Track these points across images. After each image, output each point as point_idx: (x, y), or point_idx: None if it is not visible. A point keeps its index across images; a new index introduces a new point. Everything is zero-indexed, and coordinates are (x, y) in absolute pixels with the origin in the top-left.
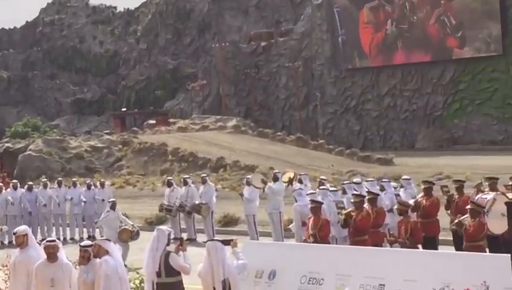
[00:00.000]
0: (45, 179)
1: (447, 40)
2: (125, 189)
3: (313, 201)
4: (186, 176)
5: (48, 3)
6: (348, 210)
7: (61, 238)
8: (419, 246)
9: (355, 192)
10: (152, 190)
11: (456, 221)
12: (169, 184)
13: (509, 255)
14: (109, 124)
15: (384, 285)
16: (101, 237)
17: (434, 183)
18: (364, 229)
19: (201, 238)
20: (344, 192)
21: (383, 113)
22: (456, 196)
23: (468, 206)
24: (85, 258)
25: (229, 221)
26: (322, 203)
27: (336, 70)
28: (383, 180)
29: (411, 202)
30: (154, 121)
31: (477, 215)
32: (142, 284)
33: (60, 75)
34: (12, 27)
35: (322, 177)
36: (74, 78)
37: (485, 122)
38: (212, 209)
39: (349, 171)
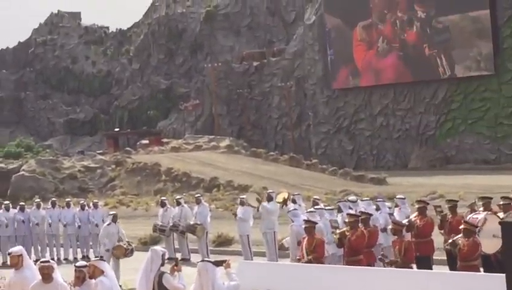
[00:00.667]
0: (38, 200)
1: (438, 59)
2: (119, 209)
3: (306, 221)
4: (179, 197)
5: (40, 24)
6: (342, 230)
7: (55, 258)
8: (413, 265)
9: (350, 211)
10: (146, 210)
11: (450, 241)
12: (162, 204)
13: (504, 274)
14: (102, 144)
15: None
16: (95, 257)
17: (428, 203)
18: (358, 249)
19: (195, 258)
20: (339, 210)
21: (376, 133)
22: (450, 216)
23: (462, 226)
24: (80, 278)
25: (223, 241)
26: (316, 223)
27: (329, 90)
28: (378, 199)
29: (405, 221)
30: (147, 141)
31: (471, 235)
32: None
33: (52, 96)
34: (4, 47)
35: (315, 197)
36: (67, 98)
37: (477, 141)
38: (207, 230)
39: (343, 190)
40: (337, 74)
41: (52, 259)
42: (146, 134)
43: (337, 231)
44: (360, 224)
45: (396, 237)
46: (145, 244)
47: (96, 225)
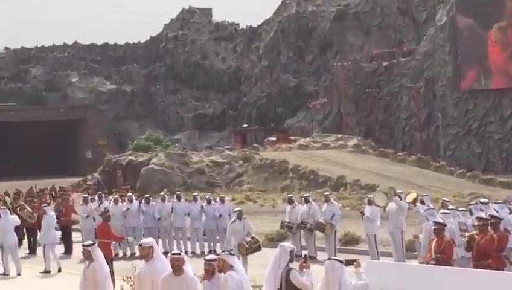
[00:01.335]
0: (163, 193)
1: None
2: (246, 205)
3: (436, 223)
4: (307, 194)
5: (171, 19)
6: (471, 233)
7: (183, 251)
8: None
9: (481, 213)
10: (272, 206)
11: None
12: (290, 201)
13: None
14: (230, 139)
15: None
16: (222, 251)
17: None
18: (487, 253)
19: (321, 256)
20: (470, 213)
21: (506, 136)
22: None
23: None
24: (209, 272)
25: (349, 240)
26: (445, 225)
27: (458, 92)
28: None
29: None
30: (274, 138)
31: None
32: None
33: (182, 90)
34: (136, 42)
35: (444, 198)
36: (196, 93)
37: None
38: (336, 228)
39: (471, 193)
40: (466, 75)
41: (186, 252)
42: (274, 131)
43: (466, 235)
44: (489, 228)
45: None
46: (272, 240)
47: (220, 215)
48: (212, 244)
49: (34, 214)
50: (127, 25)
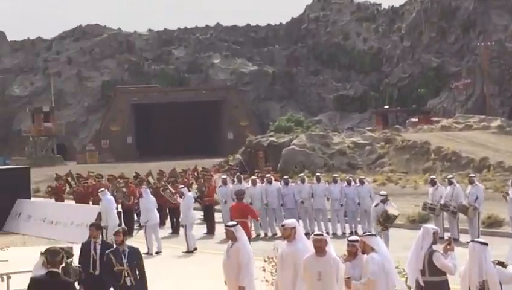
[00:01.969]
0: (302, 175)
1: None
2: (387, 186)
3: None
4: (451, 176)
5: (313, 0)
6: None
7: (324, 233)
8: None
9: None
10: (414, 188)
11: None
12: (432, 183)
13: None
14: (371, 121)
15: None
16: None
17: None
18: None
19: (464, 238)
20: None
21: None
22: None
23: None
24: (352, 253)
25: (493, 222)
26: None
27: None
28: None
29: None
30: (416, 119)
31: None
32: (408, 283)
33: (323, 71)
34: (278, 23)
35: None
36: (337, 74)
37: None
38: (479, 211)
39: None
40: None
41: (327, 233)
42: (415, 112)
43: None
44: None
45: None
46: (413, 222)
47: (359, 203)
48: (353, 225)
49: (176, 195)
50: (268, 6)
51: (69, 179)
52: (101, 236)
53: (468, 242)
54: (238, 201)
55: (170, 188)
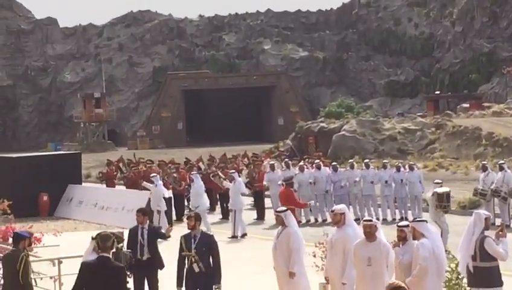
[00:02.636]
0: (351, 160)
1: None
2: (438, 172)
3: None
4: (502, 161)
5: None
6: None
7: (374, 218)
8: None
9: None
10: (465, 174)
11: None
12: (484, 168)
13: None
14: (422, 106)
15: None
16: (414, 219)
17: None
18: None
19: None
20: None
21: None
22: None
23: None
24: (401, 238)
25: None
26: None
27: None
28: None
29: None
30: (467, 105)
31: None
32: (458, 268)
33: (374, 57)
34: (329, 8)
35: None
36: (388, 60)
37: None
38: None
39: None
40: None
41: (377, 219)
42: (467, 98)
43: None
44: None
45: None
46: (464, 208)
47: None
48: (403, 211)
49: (226, 180)
50: None
51: (120, 164)
52: (148, 221)
53: None
54: (286, 187)
55: (220, 173)
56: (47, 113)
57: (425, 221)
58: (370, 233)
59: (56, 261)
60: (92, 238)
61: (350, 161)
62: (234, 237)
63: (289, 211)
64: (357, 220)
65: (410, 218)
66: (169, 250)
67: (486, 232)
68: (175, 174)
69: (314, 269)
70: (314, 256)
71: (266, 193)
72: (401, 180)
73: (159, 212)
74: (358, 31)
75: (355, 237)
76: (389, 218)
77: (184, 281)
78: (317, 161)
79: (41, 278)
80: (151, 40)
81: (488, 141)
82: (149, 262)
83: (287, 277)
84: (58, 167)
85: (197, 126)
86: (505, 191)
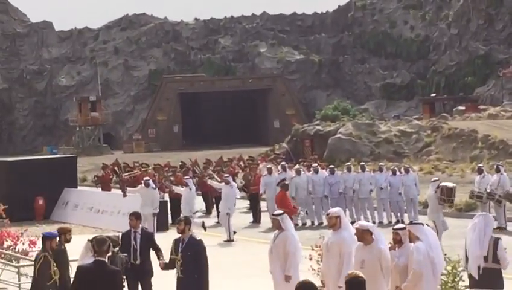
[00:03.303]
0: (348, 163)
1: None
2: (434, 175)
3: None
4: (499, 163)
5: None
6: None
7: (370, 221)
8: None
9: None
10: (461, 176)
11: None
12: (479, 171)
13: None
14: (418, 109)
15: None
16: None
17: None
18: None
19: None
20: None
21: None
22: None
23: None
24: (397, 241)
25: None
26: None
27: None
28: None
29: None
30: (463, 107)
31: None
32: (454, 271)
33: (370, 60)
34: (324, 11)
35: None
36: (384, 62)
37: None
38: None
39: None
40: None
41: (373, 222)
42: (462, 100)
43: None
44: None
45: None
46: (460, 211)
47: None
48: (399, 214)
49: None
50: None
51: (116, 168)
52: (141, 225)
53: None
54: (282, 190)
55: (216, 177)
56: (43, 116)
57: (422, 224)
58: (361, 237)
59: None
60: (88, 241)
61: (347, 163)
62: (230, 240)
63: (285, 215)
64: (353, 223)
65: (406, 221)
66: (165, 255)
67: (494, 234)
68: (172, 178)
69: (310, 272)
70: (311, 259)
71: (262, 196)
72: (397, 183)
73: (154, 215)
74: (354, 33)
75: (351, 240)
76: (385, 221)
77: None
78: (315, 164)
79: None
80: (146, 44)
81: (484, 143)
82: (142, 267)
83: (283, 281)
84: (54, 171)
85: (193, 129)
86: (499, 194)
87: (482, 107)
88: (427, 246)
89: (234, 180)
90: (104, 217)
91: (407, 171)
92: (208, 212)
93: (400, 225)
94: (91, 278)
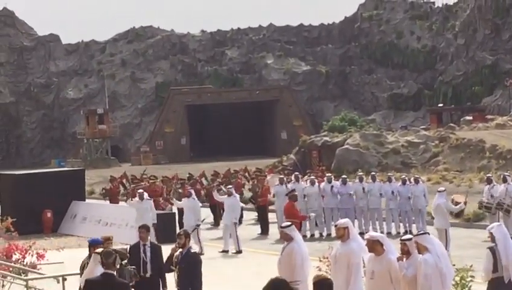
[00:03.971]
0: (360, 173)
1: None
2: (442, 185)
3: None
4: (507, 174)
5: None
6: None
7: (378, 232)
8: None
9: None
10: (469, 186)
11: None
12: (488, 181)
13: None
14: (425, 119)
15: None
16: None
17: None
18: None
19: None
20: None
21: None
22: None
23: None
24: (405, 252)
25: None
26: None
27: None
28: None
29: None
30: (471, 117)
31: None
32: (463, 281)
33: (377, 70)
34: (331, 22)
35: None
36: (391, 73)
37: None
38: None
39: None
40: None
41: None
42: (470, 110)
43: None
44: None
45: None
46: (468, 221)
47: (409, 197)
48: (407, 225)
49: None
50: (321, 5)
51: (124, 180)
52: (149, 238)
53: None
54: (290, 201)
55: (224, 189)
56: (50, 129)
57: (428, 233)
58: (371, 248)
59: (60, 279)
60: (96, 253)
61: (360, 173)
62: (239, 251)
63: (293, 226)
64: (361, 234)
65: (415, 231)
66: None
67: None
68: (180, 190)
69: None
70: (319, 270)
71: (273, 207)
72: (409, 196)
73: (154, 225)
74: (360, 44)
75: (360, 251)
76: (394, 231)
77: None
78: (329, 174)
79: None
80: (153, 56)
81: (492, 153)
82: (152, 279)
83: None
84: (62, 184)
85: (200, 141)
86: (508, 204)
87: (489, 117)
88: (435, 256)
89: (242, 192)
90: (112, 229)
91: (416, 181)
92: (216, 223)
93: (408, 236)
94: None
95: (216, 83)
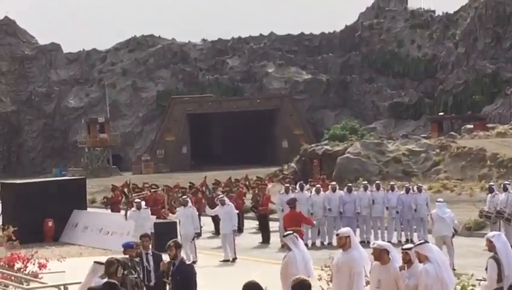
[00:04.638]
0: (365, 182)
1: None
2: (443, 193)
3: None
4: (507, 182)
5: (367, 8)
6: None
7: (379, 240)
8: None
9: None
10: (470, 195)
11: None
12: (490, 190)
13: None
14: (426, 128)
15: None
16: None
17: None
18: None
19: None
20: None
21: None
22: None
23: None
24: (406, 261)
25: None
26: None
27: None
28: None
29: None
30: (471, 126)
31: None
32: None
33: (377, 79)
34: (332, 31)
35: None
36: (391, 82)
37: None
38: None
39: None
40: None
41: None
42: (470, 119)
43: None
44: None
45: None
46: (469, 229)
47: (415, 210)
48: (409, 233)
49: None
50: (322, 14)
51: (125, 189)
52: (151, 247)
53: None
54: (290, 209)
55: (226, 198)
56: (51, 138)
57: (427, 242)
58: (378, 257)
59: (62, 288)
60: (95, 262)
61: (364, 182)
62: (234, 259)
63: (293, 235)
64: (361, 242)
65: (416, 240)
66: None
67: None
68: (181, 199)
69: None
70: (320, 279)
71: (274, 216)
72: (415, 208)
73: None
74: (361, 53)
75: (361, 260)
76: (395, 240)
77: None
78: (333, 183)
79: None
80: (154, 65)
81: (493, 162)
82: (156, 288)
83: None
84: (63, 193)
85: (201, 150)
86: (509, 213)
87: (490, 125)
88: (435, 265)
89: (243, 201)
90: (114, 238)
91: (419, 190)
92: (217, 232)
93: (409, 245)
94: None
95: (217, 92)
